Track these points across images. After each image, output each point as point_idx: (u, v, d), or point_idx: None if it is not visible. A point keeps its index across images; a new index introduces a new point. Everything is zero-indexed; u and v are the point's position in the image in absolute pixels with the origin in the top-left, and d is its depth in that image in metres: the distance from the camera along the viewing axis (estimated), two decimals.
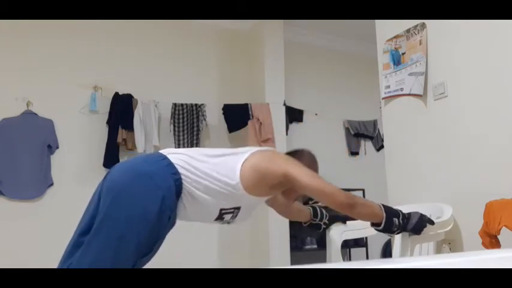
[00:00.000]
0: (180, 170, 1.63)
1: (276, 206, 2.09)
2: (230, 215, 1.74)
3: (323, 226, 2.21)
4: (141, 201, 1.56)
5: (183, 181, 1.62)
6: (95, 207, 1.61)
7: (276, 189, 1.79)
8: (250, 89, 4.85)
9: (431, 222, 1.83)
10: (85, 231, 1.59)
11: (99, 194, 1.65)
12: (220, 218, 1.73)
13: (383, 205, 1.76)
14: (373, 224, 1.77)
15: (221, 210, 1.71)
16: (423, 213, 1.86)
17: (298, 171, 1.68)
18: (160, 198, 1.56)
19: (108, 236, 1.52)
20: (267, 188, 1.73)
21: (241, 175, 1.66)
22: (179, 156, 1.67)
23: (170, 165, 1.62)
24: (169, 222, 1.62)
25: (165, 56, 4.56)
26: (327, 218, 2.22)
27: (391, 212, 1.75)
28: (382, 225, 1.72)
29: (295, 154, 1.93)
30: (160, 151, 1.74)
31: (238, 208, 1.73)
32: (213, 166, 1.67)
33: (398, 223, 1.73)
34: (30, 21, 3.77)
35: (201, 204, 1.66)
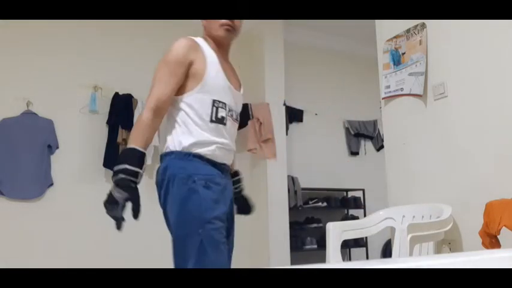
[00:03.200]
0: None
1: None
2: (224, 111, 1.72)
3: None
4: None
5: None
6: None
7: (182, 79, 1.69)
8: (250, 89, 4.84)
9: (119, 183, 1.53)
10: None
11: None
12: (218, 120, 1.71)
13: (136, 150, 1.56)
14: None
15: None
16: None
17: (154, 85, 1.66)
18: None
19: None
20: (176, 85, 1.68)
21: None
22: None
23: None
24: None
25: None
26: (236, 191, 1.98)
27: (125, 158, 1.56)
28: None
29: None
30: None
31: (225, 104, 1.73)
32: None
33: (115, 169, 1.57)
34: (30, 21, 3.78)
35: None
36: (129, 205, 1.52)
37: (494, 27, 2.16)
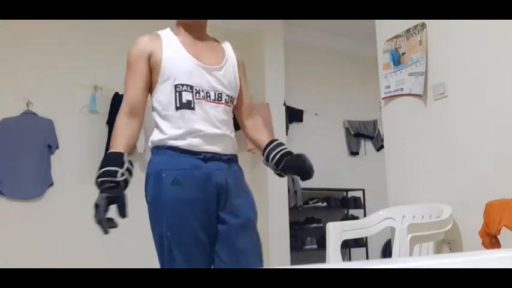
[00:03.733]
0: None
1: (242, 127, 1.93)
2: (189, 94, 1.60)
3: (275, 172, 1.84)
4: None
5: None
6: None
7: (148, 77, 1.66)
8: (250, 89, 4.85)
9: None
10: None
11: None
12: (182, 105, 1.60)
13: (111, 152, 1.55)
14: None
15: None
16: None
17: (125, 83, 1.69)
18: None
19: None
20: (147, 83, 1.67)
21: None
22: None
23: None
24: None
25: None
26: (275, 161, 1.78)
27: (102, 163, 1.53)
28: None
29: None
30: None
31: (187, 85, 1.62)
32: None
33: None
34: (30, 21, 3.77)
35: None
36: (113, 206, 1.44)
37: (494, 27, 2.16)
